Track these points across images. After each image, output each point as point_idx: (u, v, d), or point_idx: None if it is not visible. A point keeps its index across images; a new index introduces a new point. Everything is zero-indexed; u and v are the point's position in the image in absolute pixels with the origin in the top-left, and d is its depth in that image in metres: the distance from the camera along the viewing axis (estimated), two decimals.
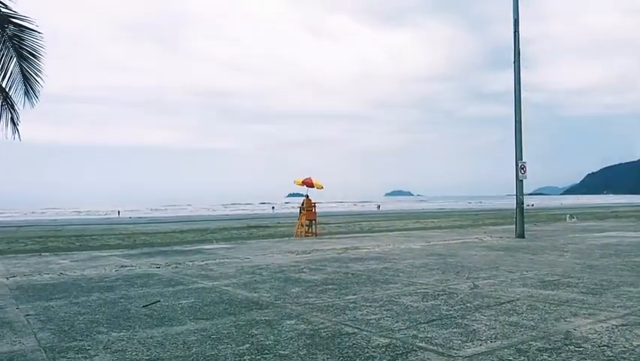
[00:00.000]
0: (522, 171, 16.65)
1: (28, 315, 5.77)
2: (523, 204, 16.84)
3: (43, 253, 14.17)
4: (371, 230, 28.52)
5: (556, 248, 12.54)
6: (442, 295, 6.44)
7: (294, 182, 20.03)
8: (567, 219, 32.87)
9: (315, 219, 20.22)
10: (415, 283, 7.49)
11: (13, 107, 8.45)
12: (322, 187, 20.10)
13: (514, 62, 16.84)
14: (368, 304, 5.96)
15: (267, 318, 5.34)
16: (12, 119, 8.61)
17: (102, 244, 22.23)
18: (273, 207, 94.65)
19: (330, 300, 6.28)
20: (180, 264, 10.72)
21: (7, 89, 8.26)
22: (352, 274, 8.56)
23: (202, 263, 10.77)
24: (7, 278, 9.19)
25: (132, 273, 9.40)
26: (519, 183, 16.75)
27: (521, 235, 16.53)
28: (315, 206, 20.27)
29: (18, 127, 8.78)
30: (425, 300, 6.12)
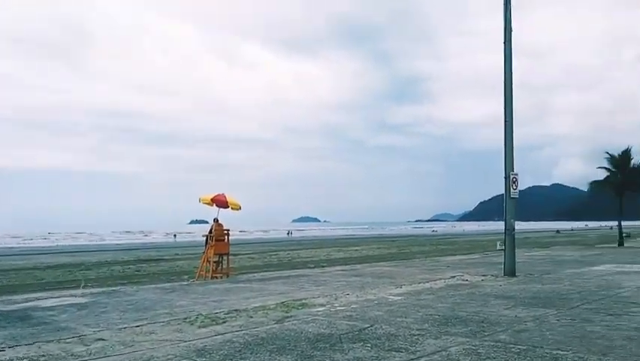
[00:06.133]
0: (514, 186, 12.41)
1: None
2: (514, 230, 12.56)
3: None
4: (293, 262, 23.26)
5: (615, 300, 8.14)
6: None
7: (200, 200, 14.27)
8: (497, 246, 30.08)
9: (227, 253, 14.57)
10: None
11: None
12: (240, 207, 14.55)
13: (505, 43, 12.73)
14: None
15: None
16: None
17: None
18: (174, 236, 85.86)
19: None
20: None
21: None
22: None
23: None
24: None
25: None
26: (510, 202, 12.47)
27: (512, 273, 12.20)
28: (228, 234, 14.66)
29: None
30: None
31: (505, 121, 12.52)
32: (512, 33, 12.71)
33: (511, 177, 12.28)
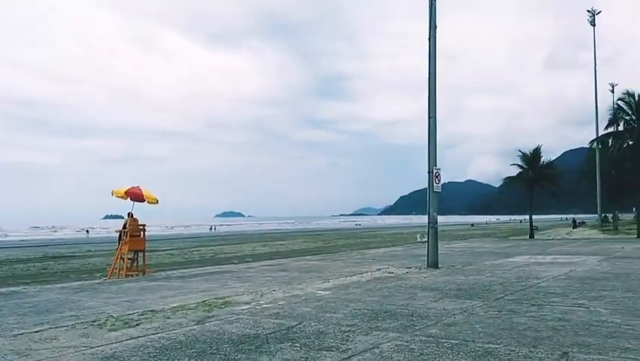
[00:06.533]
0: (437, 181, 12.60)
1: None
2: (437, 223, 12.76)
3: None
4: (216, 258, 22.60)
5: (536, 291, 8.37)
6: None
7: (113, 193, 13.27)
8: (418, 238, 31.02)
9: (144, 250, 13.68)
10: None
11: None
12: (157, 201, 13.69)
13: (430, 39, 12.85)
14: None
15: None
16: None
17: None
18: (87, 231, 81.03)
19: None
20: None
21: None
22: None
23: None
24: None
25: None
26: (433, 195, 12.65)
27: (435, 265, 12.41)
28: (144, 230, 13.77)
29: None
30: None
31: (430, 117, 12.67)
32: (437, 30, 12.89)
33: (434, 171, 12.46)
